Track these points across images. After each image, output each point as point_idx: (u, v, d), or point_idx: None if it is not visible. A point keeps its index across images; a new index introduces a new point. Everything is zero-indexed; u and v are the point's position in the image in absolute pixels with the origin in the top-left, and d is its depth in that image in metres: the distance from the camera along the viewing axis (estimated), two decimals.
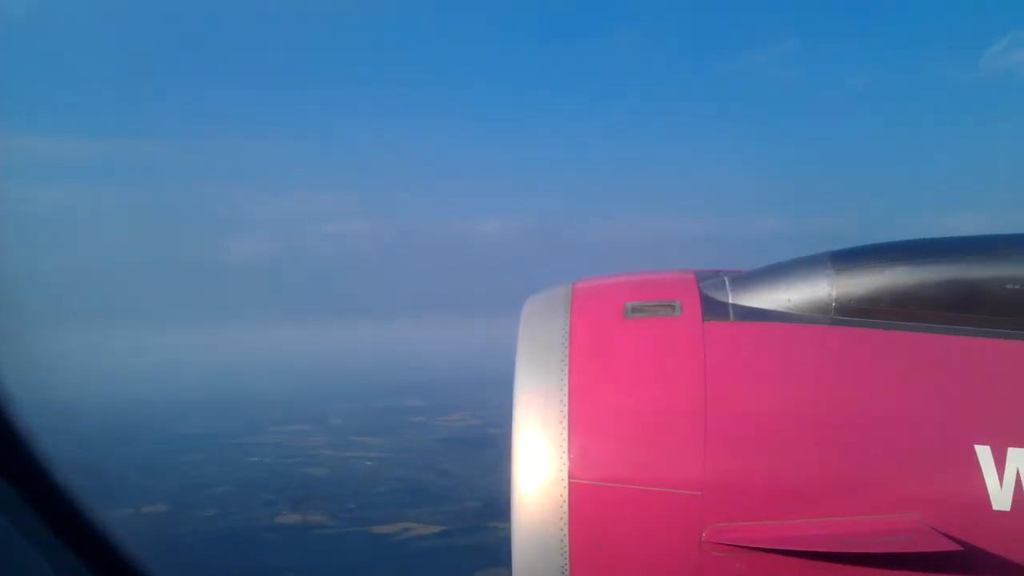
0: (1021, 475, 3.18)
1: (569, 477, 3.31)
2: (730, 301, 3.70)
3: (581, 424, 3.37)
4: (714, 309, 3.64)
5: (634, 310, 3.66)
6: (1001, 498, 3.18)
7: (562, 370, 3.47)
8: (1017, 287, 3.56)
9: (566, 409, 3.37)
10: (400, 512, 45.42)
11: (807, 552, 3.18)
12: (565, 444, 3.34)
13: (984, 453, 3.22)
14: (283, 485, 52.19)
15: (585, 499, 3.31)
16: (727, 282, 3.80)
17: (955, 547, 3.13)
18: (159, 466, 55.62)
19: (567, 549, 3.30)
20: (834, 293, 3.62)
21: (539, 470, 3.34)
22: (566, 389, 3.42)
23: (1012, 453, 3.21)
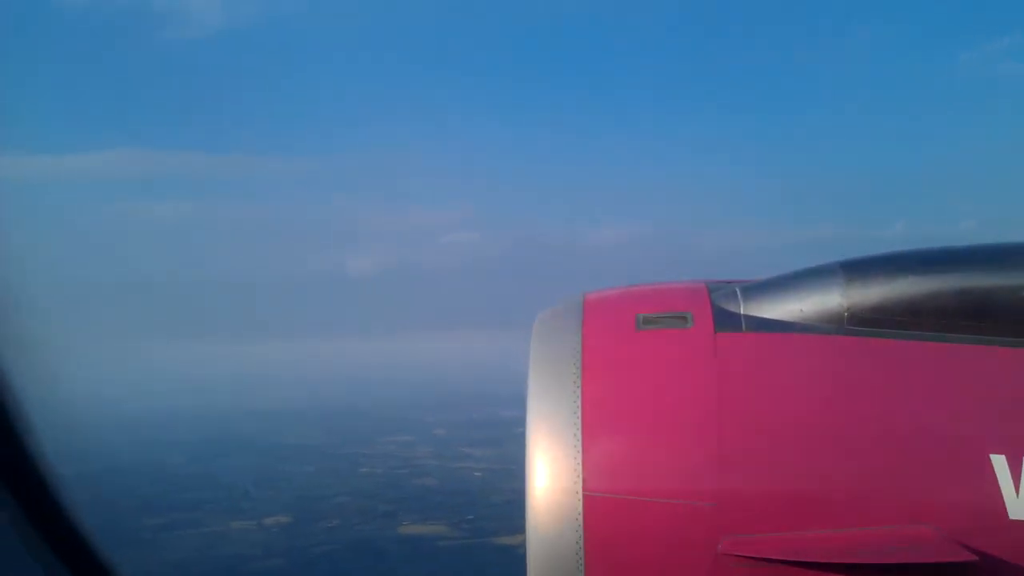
0: None
1: (584, 490, 3.29)
2: (742, 312, 3.68)
3: (595, 436, 3.36)
4: (726, 320, 3.63)
5: (646, 322, 3.66)
6: (1018, 507, 3.15)
7: (575, 383, 3.46)
8: None
9: (579, 422, 3.36)
10: (518, 523, 44.98)
11: (822, 564, 3.16)
12: (579, 456, 3.32)
13: (1000, 462, 3.20)
14: (399, 496, 52.46)
15: (600, 511, 3.29)
16: (739, 292, 3.78)
17: (971, 557, 3.10)
18: (273, 477, 56.90)
19: (583, 562, 3.27)
20: (846, 303, 3.61)
21: (553, 483, 3.33)
22: (579, 401, 3.41)
23: None
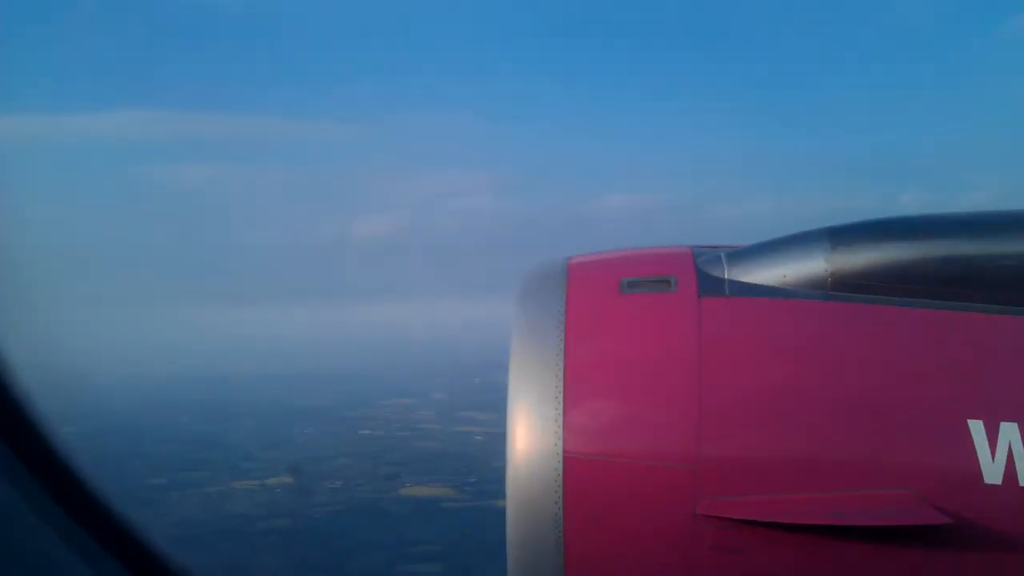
0: (1013, 449, 3.20)
1: (564, 451, 3.32)
2: (726, 277, 3.70)
3: (576, 399, 3.38)
4: (710, 285, 3.64)
5: (630, 285, 3.66)
6: (993, 472, 3.19)
7: (558, 345, 3.47)
8: (1012, 263, 3.61)
9: (561, 384, 3.39)
10: None
11: (799, 525, 3.21)
12: (560, 419, 3.35)
13: (977, 427, 3.23)
14: (400, 458, 52.72)
15: (580, 473, 3.33)
16: (723, 257, 3.80)
17: (947, 520, 3.15)
18: (276, 439, 57.11)
19: (561, 522, 3.31)
20: (830, 268, 3.63)
21: (534, 444, 3.35)
22: (562, 364, 3.43)
23: (1004, 427, 3.22)
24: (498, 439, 3.40)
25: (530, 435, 3.37)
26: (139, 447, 52.11)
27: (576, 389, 3.40)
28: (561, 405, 3.37)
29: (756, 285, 3.67)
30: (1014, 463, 3.20)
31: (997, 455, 3.21)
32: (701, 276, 3.69)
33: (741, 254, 3.83)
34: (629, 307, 3.64)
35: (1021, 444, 3.22)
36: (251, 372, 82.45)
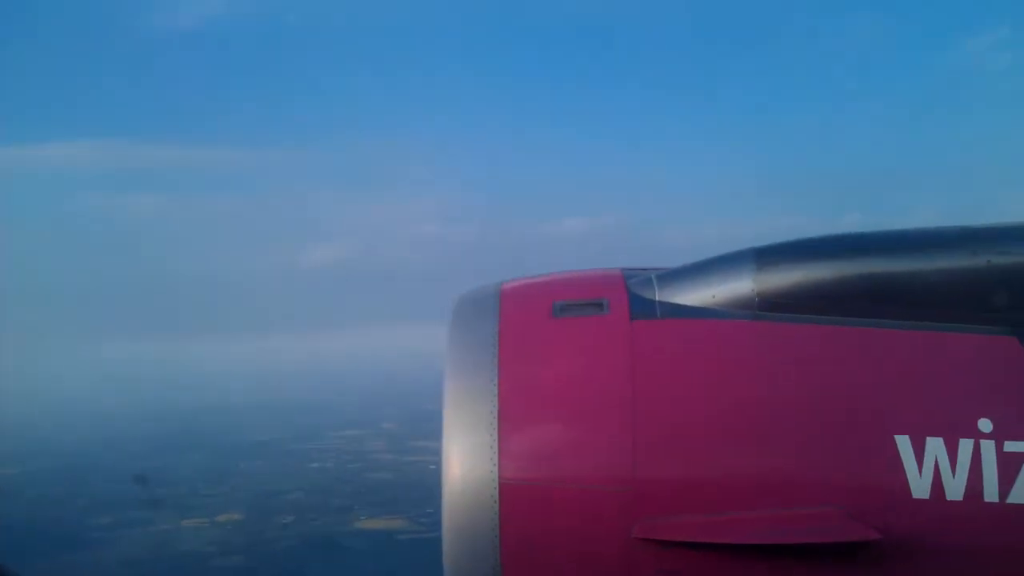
0: (939, 464, 3.27)
1: (500, 478, 3.29)
2: (657, 299, 3.73)
3: (511, 424, 3.36)
4: (641, 307, 3.67)
5: (562, 309, 3.67)
6: (921, 487, 3.26)
7: (491, 370, 3.45)
8: (934, 279, 3.65)
9: (495, 409, 3.36)
10: None
11: (732, 545, 3.26)
12: (496, 445, 3.32)
13: (904, 443, 3.31)
14: (353, 490, 52.17)
15: (516, 499, 3.31)
16: (654, 279, 3.82)
17: (876, 535, 3.21)
18: (224, 473, 56.12)
19: (499, 549, 3.30)
20: (756, 288, 3.66)
21: (469, 472, 3.32)
22: (495, 390, 3.41)
23: (931, 442, 3.30)
24: None
25: (465, 462, 3.34)
26: (84, 487, 51.01)
27: (510, 415, 3.38)
28: (496, 431, 3.34)
29: (686, 307, 3.71)
30: (941, 478, 3.27)
31: (924, 470, 3.28)
32: (633, 298, 3.71)
33: (671, 275, 3.86)
34: (562, 331, 3.64)
35: (947, 459, 3.29)
36: (196, 404, 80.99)
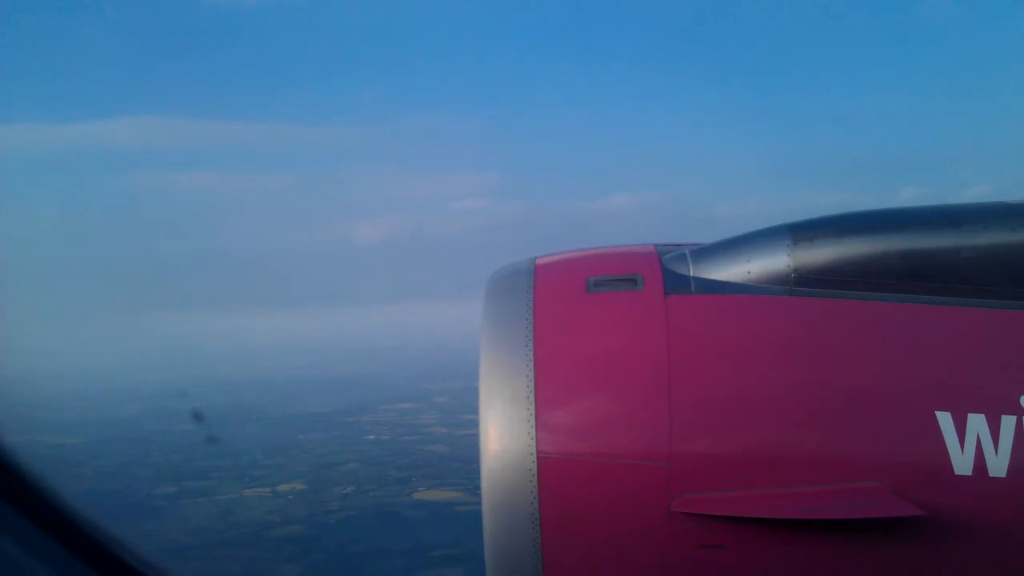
0: (981, 440, 3.23)
1: (538, 452, 3.32)
2: (691, 274, 3.72)
3: (548, 399, 3.39)
4: (675, 282, 3.67)
5: (596, 284, 3.68)
6: (963, 463, 3.22)
7: (527, 346, 3.49)
8: (972, 255, 3.61)
9: (532, 384, 3.40)
10: None
11: (772, 520, 3.24)
12: (533, 419, 3.35)
13: (945, 419, 3.26)
14: (410, 463, 52.57)
15: (554, 473, 3.33)
16: (688, 255, 3.82)
17: (918, 512, 3.18)
18: (283, 445, 56.92)
19: (538, 523, 3.32)
20: (792, 264, 3.65)
21: (508, 446, 3.35)
22: (531, 364, 3.44)
23: (972, 419, 3.25)
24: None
25: (503, 436, 3.36)
26: (147, 457, 52.06)
27: (547, 389, 3.40)
28: (533, 405, 3.37)
29: (721, 282, 3.69)
30: (983, 454, 3.23)
31: (966, 446, 3.24)
32: (667, 274, 3.70)
33: (705, 251, 3.84)
34: (596, 306, 3.63)
35: (989, 435, 3.24)
36: (252, 378, 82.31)
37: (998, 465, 3.22)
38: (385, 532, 38.97)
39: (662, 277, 3.67)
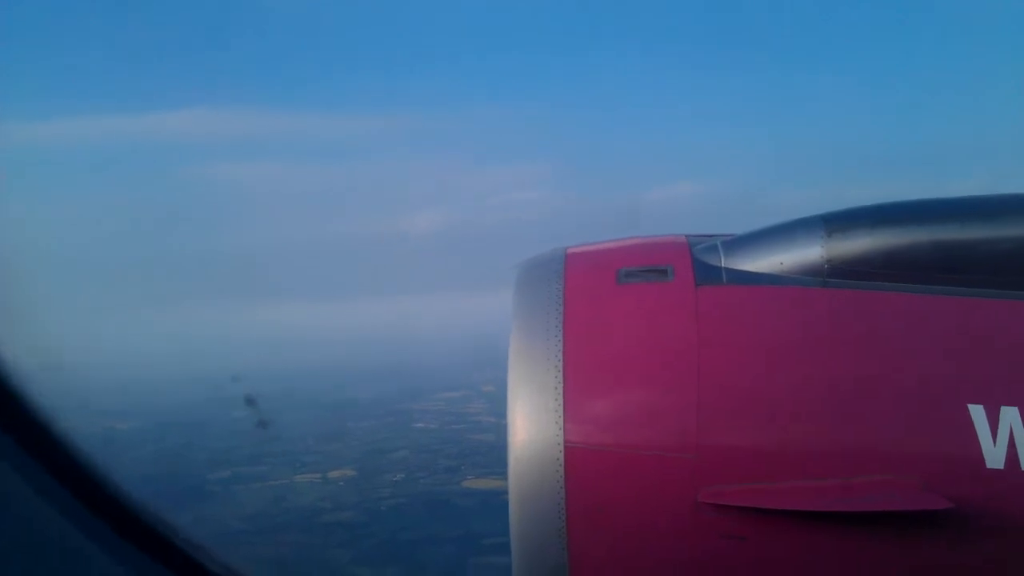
0: (1014, 433, 3.16)
1: (565, 442, 3.32)
2: (723, 265, 3.69)
3: (576, 389, 3.38)
4: (707, 273, 3.64)
5: (627, 275, 3.64)
6: (995, 456, 3.16)
7: (557, 336, 3.46)
8: (1007, 247, 3.57)
9: (561, 375, 3.39)
10: None
11: (800, 512, 3.19)
12: (561, 409, 3.34)
13: (978, 412, 3.19)
14: (459, 451, 52.72)
15: (581, 463, 3.32)
16: (719, 246, 3.79)
17: (948, 505, 3.12)
18: (333, 432, 57.32)
19: (564, 512, 3.31)
20: (825, 255, 3.59)
21: (535, 435, 3.35)
22: (561, 355, 3.42)
23: (1005, 412, 3.17)
24: None
25: (531, 426, 3.36)
26: (200, 441, 52.75)
27: (576, 379, 3.39)
28: (561, 396, 3.36)
29: (752, 273, 3.64)
30: (1015, 447, 3.16)
31: (998, 439, 3.16)
32: (698, 265, 3.66)
33: (737, 242, 3.80)
34: (627, 297, 3.61)
35: (1022, 428, 3.17)
36: (303, 366, 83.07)
37: None
38: (435, 520, 39.07)
39: (693, 268, 3.64)
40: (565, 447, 3.32)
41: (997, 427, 3.18)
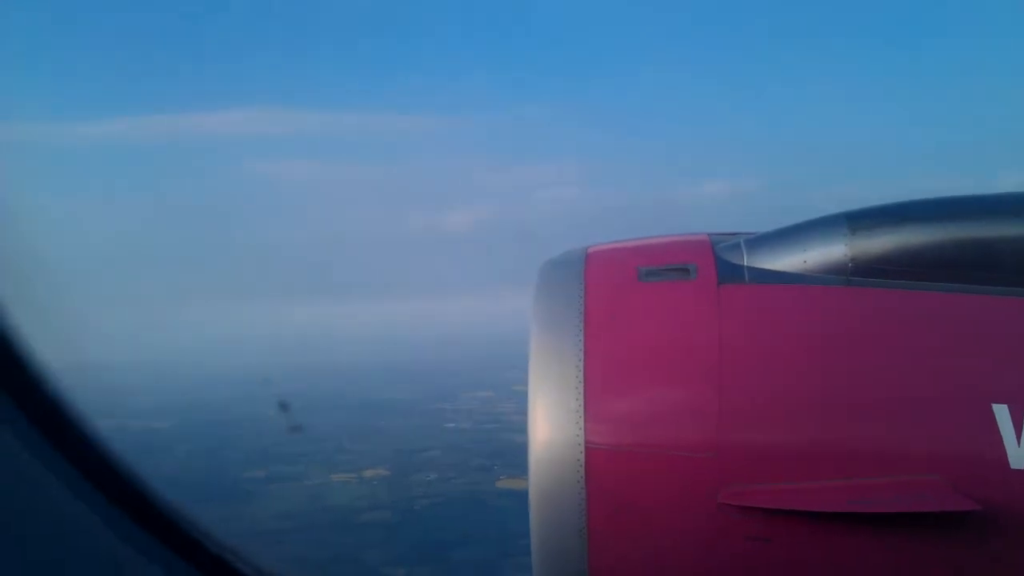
0: None
1: (586, 442, 3.29)
2: (745, 264, 3.67)
3: (597, 389, 3.35)
4: (729, 272, 3.61)
5: (649, 274, 3.63)
6: (1020, 457, 3.13)
7: (577, 335, 3.44)
8: None
9: (582, 374, 3.36)
10: None
11: (823, 513, 3.17)
12: (581, 409, 3.31)
13: (1002, 412, 3.17)
14: (492, 450, 52.81)
15: (602, 463, 3.29)
16: (742, 244, 3.76)
17: (974, 506, 3.10)
18: (366, 431, 57.69)
19: (585, 513, 3.29)
20: (850, 254, 3.57)
21: (556, 435, 3.32)
22: (582, 354, 3.39)
23: None
24: None
25: (551, 426, 3.34)
26: (236, 441, 53.26)
27: (597, 379, 3.36)
28: (582, 395, 3.33)
29: (776, 272, 3.63)
30: None
31: (1023, 440, 3.15)
32: (720, 263, 3.64)
33: (760, 241, 3.78)
34: (648, 295, 3.59)
35: None
36: (335, 364, 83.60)
37: None
38: (470, 520, 39.27)
39: (715, 266, 3.62)
40: (586, 447, 3.30)
41: (1022, 427, 3.17)
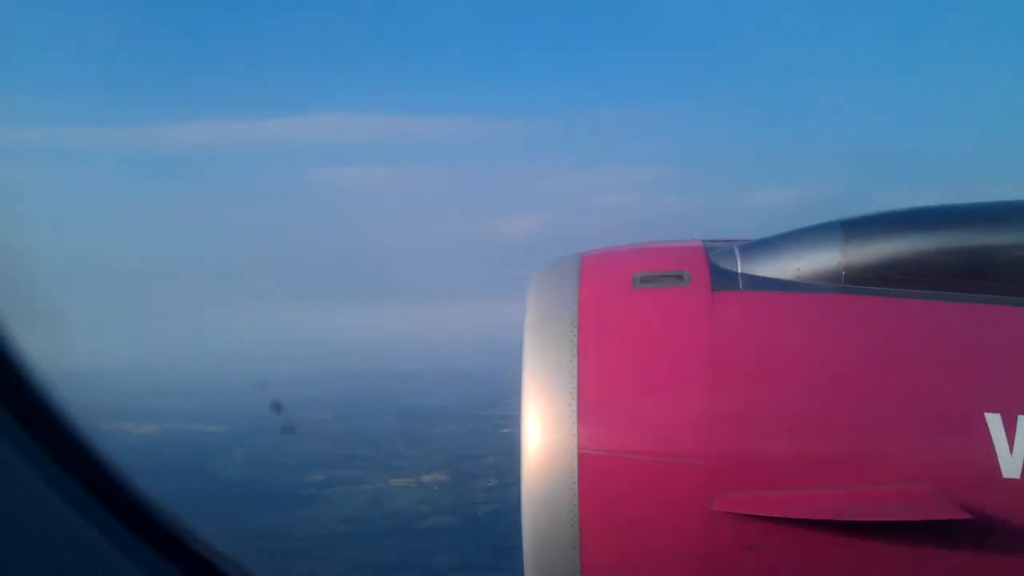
0: None
1: (579, 449, 3.27)
2: (739, 270, 3.64)
3: (590, 395, 3.34)
4: (723, 279, 3.60)
5: (642, 280, 3.62)
6: (1011, 466, 3.11)
7: (571, 341, 3.42)
8: None
9: (575, 381, 3.33)
10: None
11: (815, 520, 3.14)
12: (574, 416, 3.30)
13: (994, 421, 3.15)
14: None
15: (595, 470, 3.28)
16: (736, 251, 3.75)
17: (965, 515, 3.09)
18: (420, 436, 57.43)
19: (577, 520, 3.26)
20: (843, 261, 3.55)
21: (548, 442, 3.32)
22: (575, 360, 3.37)
23: (1022, 421, 3.14)
24: None
25: (544, 432, 3.33)
26: (291, 445, 53.24)
27: (590, 386, 3.35)
28: (575, 402, 3.31)
29: (769, 279, 3.59)
30: None
31: (1015, 449, 3.13)
32: (714, 270, 3.63)
33: (754, 247, 3.77)
34: (642, 302, 3.59)
35: None
36: (387, 370, 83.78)
37: None
38: None
39: (709, 273, 3.61)
40: (579, 454, 3.29)
41: (1014, 436, 3.15)
